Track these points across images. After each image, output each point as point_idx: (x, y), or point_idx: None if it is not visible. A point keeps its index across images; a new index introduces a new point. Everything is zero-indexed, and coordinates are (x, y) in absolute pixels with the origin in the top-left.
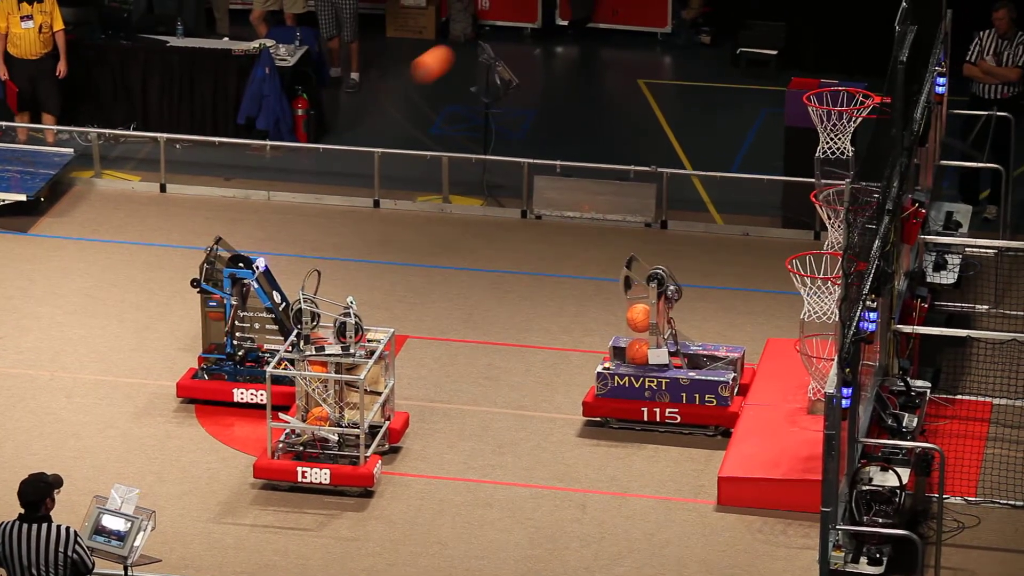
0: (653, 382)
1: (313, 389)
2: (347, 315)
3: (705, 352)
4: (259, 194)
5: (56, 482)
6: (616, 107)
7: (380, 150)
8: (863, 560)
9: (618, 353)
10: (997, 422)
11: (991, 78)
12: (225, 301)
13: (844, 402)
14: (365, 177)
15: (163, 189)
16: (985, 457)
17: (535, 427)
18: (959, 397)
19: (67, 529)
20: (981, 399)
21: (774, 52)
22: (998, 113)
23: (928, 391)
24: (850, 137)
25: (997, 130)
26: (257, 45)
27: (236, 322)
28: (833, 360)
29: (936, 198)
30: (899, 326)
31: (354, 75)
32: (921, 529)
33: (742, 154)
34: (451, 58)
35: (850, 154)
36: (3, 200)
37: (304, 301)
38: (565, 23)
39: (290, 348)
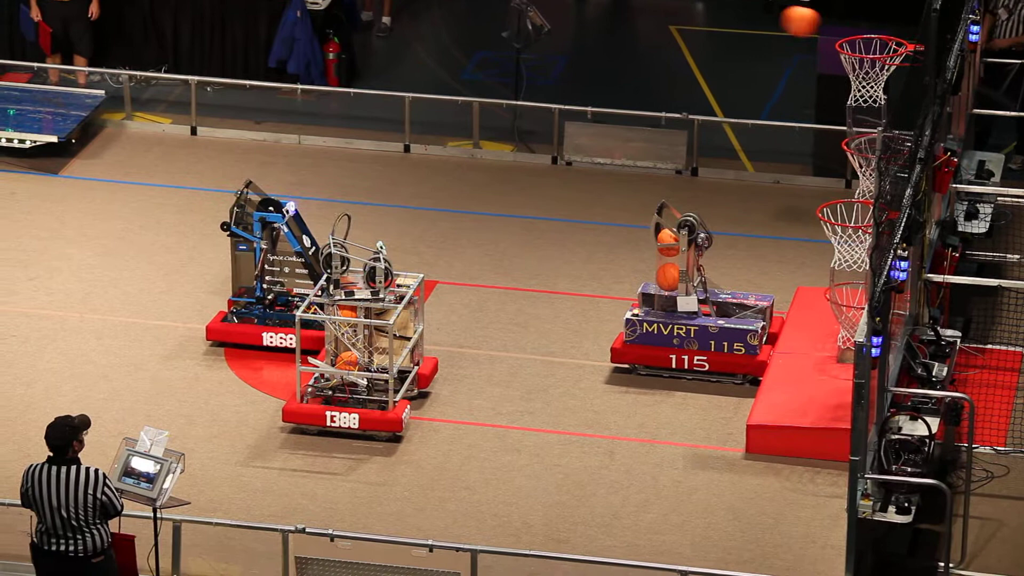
0: (682, 329)
1: (342, 333)
2: (377, 260)
3: (734, 300)
4: (290, 138)
5: (83, 423)
6: (648, 53)
7: (411, 95)
8: (891, 509)
9: (647, 300)
10: None
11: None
12: (255, 245)
13: (874, 351)
14: (396, 122)
15: (194, 132)
16: (1015, 407)
17: (564, 373)
18: (989, 347)
19: (96, 471)
20: (1012, 349)
21: None
22: None
23: (958, 340)
24: (882, 85)
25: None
26: None
27: (266, 266)
28: (863, 309)
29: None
30: (930, 275)
31: (386, 19)
32: (950, 478)
33: (773, 102)
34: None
35: (882, 102)
36: (35, 141)
37: (334, 245)
38: None
39: (320, 292)
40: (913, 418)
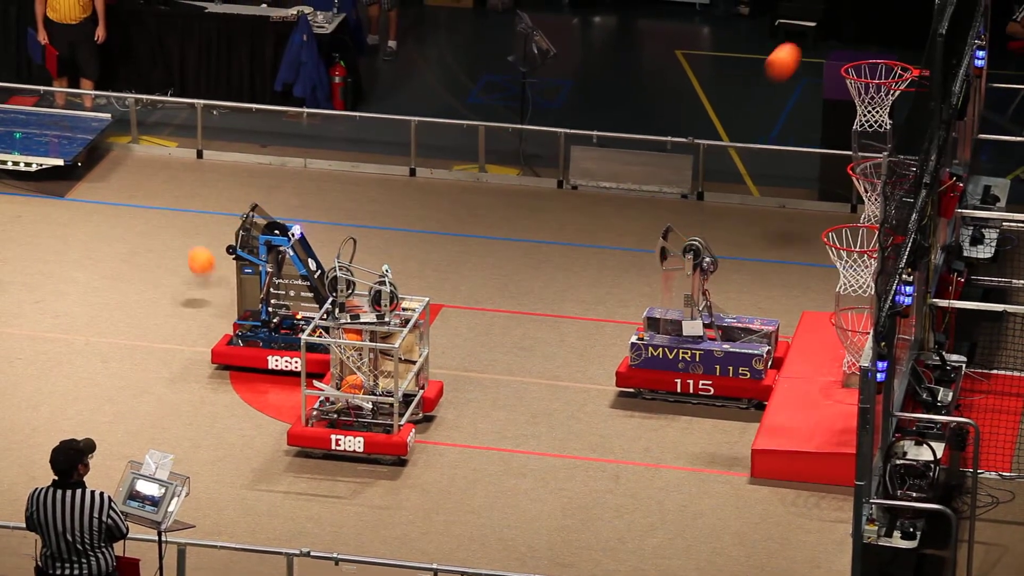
0: (687, 354)
1: (348, 357)
2: (382, 283)
3: (740, 324)
4: (295, 161)
5: (88, 448)
6: (653, 78)
7: (417, 118)
8: (896, 534)
9: (652, 324)
10: None
11: None
12: (261, 268)
13: (879, 376)
14: (401, 145)
15: (200, 155)
16: (1020, 432)
17: (569, 397)
18: (994, 372)
19: (101, 494)
20: (1017, 374)
21: (812, 24)
22: None
23: (963, 365)
24: (888, 110)
25: None
26: (295, 12)
27: (271, 289)
28: (868, 334)
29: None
30: (935, 300)
31: (391, 43)
32: (955, 504)
33: (779, 126)
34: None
35: (888, 127)
36: (41, 164)
37: (339, 269)
38: None
39: (325, 316)
40: (918, 443)
